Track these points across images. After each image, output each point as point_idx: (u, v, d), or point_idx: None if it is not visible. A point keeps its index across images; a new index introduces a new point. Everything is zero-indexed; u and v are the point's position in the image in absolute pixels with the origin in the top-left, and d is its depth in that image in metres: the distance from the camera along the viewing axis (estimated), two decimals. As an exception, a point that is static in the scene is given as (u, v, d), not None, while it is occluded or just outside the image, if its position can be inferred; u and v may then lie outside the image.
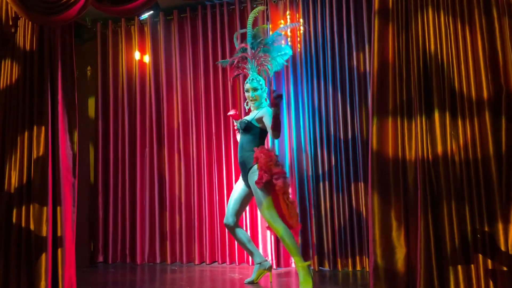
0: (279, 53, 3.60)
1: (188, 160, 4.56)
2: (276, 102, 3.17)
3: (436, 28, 2.86)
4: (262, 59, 3.57)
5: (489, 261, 2.67)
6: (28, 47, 3.57)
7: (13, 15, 3.64)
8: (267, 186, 3.29)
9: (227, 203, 4.32)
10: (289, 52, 3.66)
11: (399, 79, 2.90)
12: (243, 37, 3.93)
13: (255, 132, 3.48)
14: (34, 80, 3.52)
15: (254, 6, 4.39)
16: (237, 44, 3.83)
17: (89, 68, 5.08)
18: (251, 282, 3.53)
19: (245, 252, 4.18)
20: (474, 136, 2.76)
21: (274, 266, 4.04)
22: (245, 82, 3.61)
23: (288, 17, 4.25)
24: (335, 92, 4.07)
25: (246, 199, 3.59)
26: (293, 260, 3.31)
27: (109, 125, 4.81)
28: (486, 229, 2.69)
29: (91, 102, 5.00)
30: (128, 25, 4.88)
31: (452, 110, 2.80)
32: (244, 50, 3.65)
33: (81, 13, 3.42)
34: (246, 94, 3.59)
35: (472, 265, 2.68)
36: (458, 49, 2.83)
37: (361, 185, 3.91)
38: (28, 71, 3.54)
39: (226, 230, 4.29)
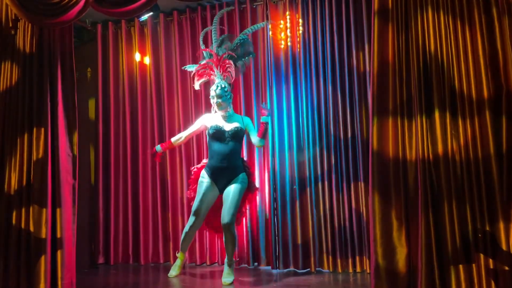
0: (243, 58, 3.83)
1: (189, 161, 4.55)
2: (265, 123, 3.64)
3: (436, 27, 2.86)
4: (227, 65, 3.73)
5: (491, 261, 2.67)
6: (27, 49, 3.57)
7: (13, 17, 3.64)
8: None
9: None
10: (253, 55, 3.97)
11: (399, 79, 2.90)
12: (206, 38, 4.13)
13: (241, 140, 3.73)
14: (34, 82, 3.52)
15: (254, 7, 4.40)
16: (202, 45, 3.99)
17: (89, 69, 5.08)
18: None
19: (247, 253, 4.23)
20: (475, 136, 2.75)
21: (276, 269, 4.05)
22: (211, 88, 3.75)
23: (287, 17, 4.24)
24: (335, 92, 4.07)
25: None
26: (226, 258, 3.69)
27: (110, 127, 4.81)
28: (487, 228, 2.69)
29: (92, 103, 5.00)
30: (128, 26, 4.88)
31: (453, 109, 2.79)
32: (209, 56, 3.82)
33: (80, 15, 3.42)
34: (212, 100, 3.73)
35: (474, 265, 2.67)
36: (458, 49, 2.83)
37: (361, 185, 3.90)
38: (27, 73, 3.54)
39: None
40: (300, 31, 4.17)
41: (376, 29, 2.95)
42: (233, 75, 3.74)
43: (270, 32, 4.22)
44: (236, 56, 3.78)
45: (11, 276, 3.32)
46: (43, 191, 3.35)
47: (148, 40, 4.78)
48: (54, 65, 3.52)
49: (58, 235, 3.33)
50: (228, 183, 3.62)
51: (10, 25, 3.64)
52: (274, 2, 4.34)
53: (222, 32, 4.35)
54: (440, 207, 2.73)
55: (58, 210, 3.35)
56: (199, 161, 4.49)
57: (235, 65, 3.76)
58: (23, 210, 3.38)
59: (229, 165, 3.60)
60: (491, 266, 2.65)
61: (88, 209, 4.73)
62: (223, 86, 3.67)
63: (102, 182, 4.74)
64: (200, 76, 3.85)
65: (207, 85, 4.48)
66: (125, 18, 4.67)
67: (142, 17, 4.69)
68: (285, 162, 4.11)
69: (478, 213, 2.70)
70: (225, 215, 3.51)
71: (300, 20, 4.17)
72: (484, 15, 2.80)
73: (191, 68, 4.01)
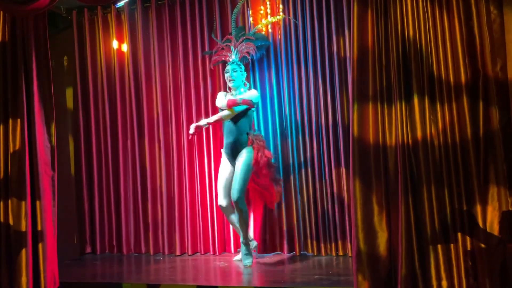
0: (260, 44, 4.04)
1: (168, 150, 4.50)
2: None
3: (414, 13, 2.86)
4: (244, 47, 3.97)
5: (468, 242, 2.73)
6: (0, 39, 3.46)
7: (-17, 5, 3.51)
8: (254, 167, 3.71)
9: (209, 192, 4.32)
10: (268, 42, 4.12)
11: (379, 65, 2.90)
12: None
13: (244, 113, 3.74)
14: (8, 72, 3.42)
15: (234, -6, 4.34)
16: (215, 37, 4.24)
17: (66, 58, 4.95)
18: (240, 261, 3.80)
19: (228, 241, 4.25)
20: (453, 120, 2.79)
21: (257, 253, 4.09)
22: (227, 64, 3.94)
23: (268, 2, 4.19)
24: (316, 78, 4.07)
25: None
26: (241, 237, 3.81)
27: (89, 116, 4.71)
28: (465, 210, 2.75)
29: (69, 93, 4.89)
30: (105, 13, 4.75)
31: (431, 95, 2.82)
32: (228, 40, 4.07)
33: (54, 2, 3.31)
34: (226, 74, 3.89)
35: (452, 246, 2.74)
36: (436, 34, 2.84)
37: (343, 170, 3.93)
38: (1, 63, 3.45)
39: (208, 218, 4.30)
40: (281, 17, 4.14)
41: (356, 15, 2.94)
42: (252, 55, 3.98)
43: (251, 19, 4.18)
44: (254, 41, 4.02)
45: (-9, 270, 3.27)
46: (21, 184, 3.29)
47: (125, 27, 4.67)
48: (28, 54, 3.42)
49: (39, 228, 3.29)
50: (236, 157, 3.74)
51: (-19, 14, 3.52)
52: (254, -13, 4.29)
53: (201, 19, 4.34)
54: (420, 191, 2.77)
55: (37, 202, 3.30)
56: (178, 150, 4.46)
57: (253, 49, 3.98)
58: (1, 203, 3.32)
59: (235, 139, 3.73)
60: (469, 248, 2.72)
61: (74, 200, 4.67)
62: (238, 63, 3.90)
63: (85, 172, 4.67)
64: (218, 57, 4.10)
65: (186, 72, 4.44)
66: (100, 4, 4.55)
67: (119, 3, 4.57)
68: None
69: (456, 196, 2.75)
70: (233, 192, 3.62)
71: (281, 6, 4.13)
72: (461, 0, 2.81)
73: (210, 53, 4.22)
